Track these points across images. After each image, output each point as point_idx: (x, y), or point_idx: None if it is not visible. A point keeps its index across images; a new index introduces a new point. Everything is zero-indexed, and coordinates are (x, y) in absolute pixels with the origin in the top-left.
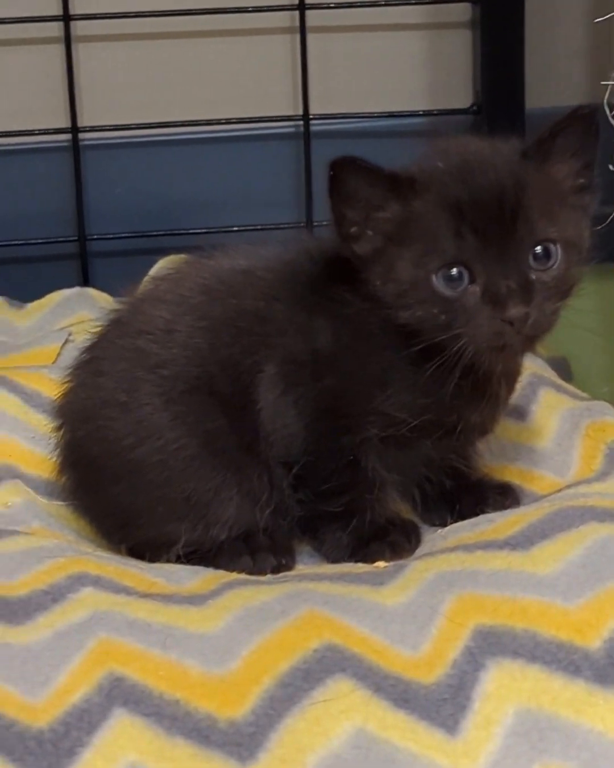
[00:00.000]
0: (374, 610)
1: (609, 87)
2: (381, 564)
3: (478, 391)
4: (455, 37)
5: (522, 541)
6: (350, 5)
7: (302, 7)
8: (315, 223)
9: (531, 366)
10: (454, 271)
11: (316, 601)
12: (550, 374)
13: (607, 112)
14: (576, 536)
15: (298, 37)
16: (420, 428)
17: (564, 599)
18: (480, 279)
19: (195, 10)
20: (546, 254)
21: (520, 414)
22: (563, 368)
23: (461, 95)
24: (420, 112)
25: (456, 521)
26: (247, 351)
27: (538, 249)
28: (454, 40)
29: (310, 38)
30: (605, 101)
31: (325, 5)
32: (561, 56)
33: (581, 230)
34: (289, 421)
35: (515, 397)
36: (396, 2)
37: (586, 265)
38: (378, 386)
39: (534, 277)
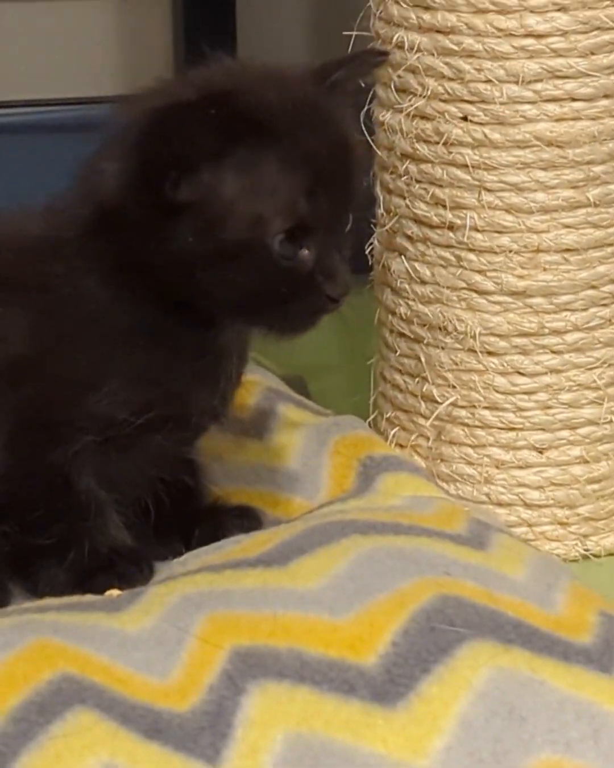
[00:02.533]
0: (113, 637)
1: (353, 38)
2: (113, 592)
3: (212, 372)
4: (151, 5)
5: (277, 558)
6: None
7: None
8: None
9: (265, 381)
10: (297, 234)
11: (45, 631)
12: (287, 390)
13: None
14: (339, 549)
15: None
16: (146, 425)
17: (331, 614)
18: (314, 247)
19: None
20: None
21: (258, 432)
22: (300, 387)
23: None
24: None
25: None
26: None
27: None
28: (150, 10)
29: None
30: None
31: None
32: (279, 21)
33: None
34: None
35: (251, 414)
36: None
37: None
38: (92, 385)
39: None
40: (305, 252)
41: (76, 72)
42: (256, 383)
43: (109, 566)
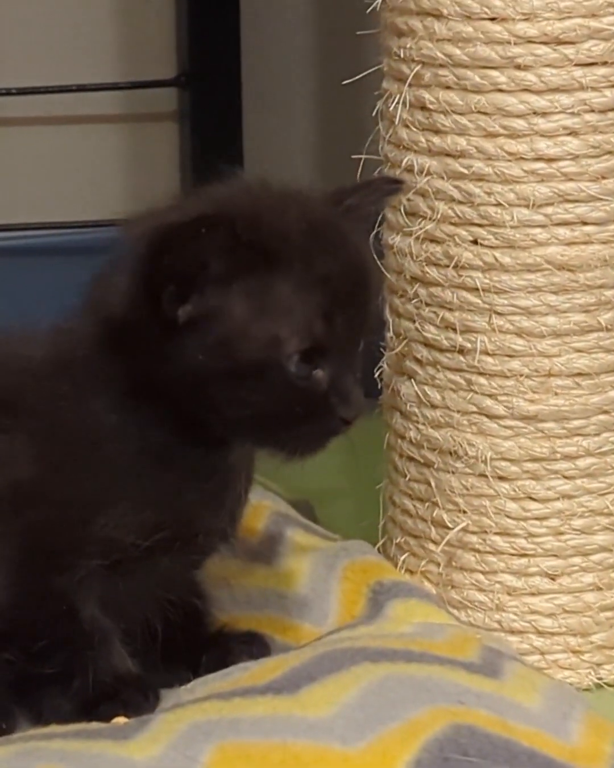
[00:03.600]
0: (121, 765)
1: (362, 162)
2: (120, 720)
3: (220, 492)
4: (158, 130)
5: (287, 685)
6: (33, 91)
7: None
8: None
9: (273, 505)
10: (312, 355)
11: (51, 759)
12: (295, 515)
13: None
14: (350, 677)
15: None
16: (154, 548)
17: (342, 743)
18: (329, 368)
19: None
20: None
21: (266, 556)
22: (307, 512)
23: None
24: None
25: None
26: None
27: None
28: (157, 135)
29: None
30: (357, 178)
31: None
32: (287, 145)
33: None
34: None
35: (259, 538)
36: (91, 87)
37: None
38: (98, 509)
39: None
40: (320, 372)
41: (83, 195)
42: (265, 507)
43: (114, 695)
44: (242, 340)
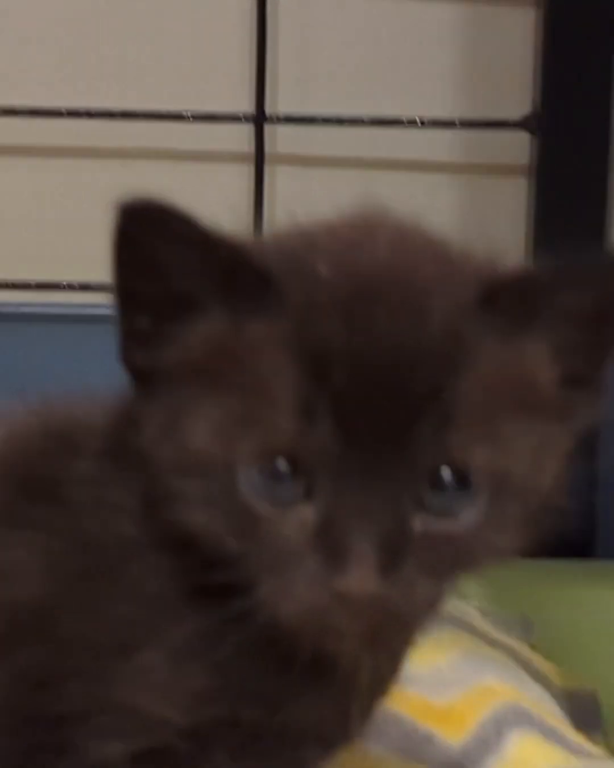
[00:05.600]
0: None
1: None
2: None
3: (314, 671)
4: (504, 188)
5: None
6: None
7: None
8: None
9: (513, 690)
10: (283, 467)
11: None
12: (550, 716)
13: None
14: None
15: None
16: (207, 737)
17: None
18: (321, 499)
19: None
20: (459, 486)
21: None
22: (588, 709)
23: None
24: None
25: None
26: None
27: (446, 475)
28: (500, 190)
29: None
30: None
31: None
32: None
33: (541, 461)
34: None
35: (465, 743)
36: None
37: (542, 528)
38: (122, 654)
39: (417, 525)
40: (302, 501)
41: None
42: (492, 694)
43: None
44: (188, 417)
